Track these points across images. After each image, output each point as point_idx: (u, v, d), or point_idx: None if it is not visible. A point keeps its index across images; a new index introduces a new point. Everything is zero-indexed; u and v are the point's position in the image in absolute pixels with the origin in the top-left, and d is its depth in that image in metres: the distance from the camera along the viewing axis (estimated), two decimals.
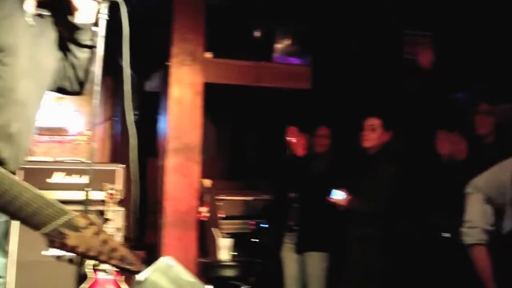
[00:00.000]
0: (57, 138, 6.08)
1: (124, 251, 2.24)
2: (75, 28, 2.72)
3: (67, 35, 2.76)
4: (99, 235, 2.19)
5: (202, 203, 5.32)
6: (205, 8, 5.28)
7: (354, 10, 5.44)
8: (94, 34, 2.74)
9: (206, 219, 5.27)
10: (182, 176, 5.08)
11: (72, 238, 2.14)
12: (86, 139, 6.16)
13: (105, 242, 2.19)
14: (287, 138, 5.02)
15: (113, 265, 2.23)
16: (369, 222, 4.37)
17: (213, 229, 5.39)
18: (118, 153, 6.09)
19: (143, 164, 5.84)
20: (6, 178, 2.19)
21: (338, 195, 4.45)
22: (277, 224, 5.21)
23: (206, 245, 5.35)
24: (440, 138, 4.37)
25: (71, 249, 2.16)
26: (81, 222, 2.18)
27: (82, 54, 2.75)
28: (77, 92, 2.86)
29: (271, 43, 5.69)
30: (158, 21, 5.47)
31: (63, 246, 2.15)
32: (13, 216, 2.27)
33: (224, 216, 5.48)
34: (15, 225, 4.54)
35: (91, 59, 2.76)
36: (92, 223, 2.19)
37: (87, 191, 3.36)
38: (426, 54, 4.85)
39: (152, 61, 5.77)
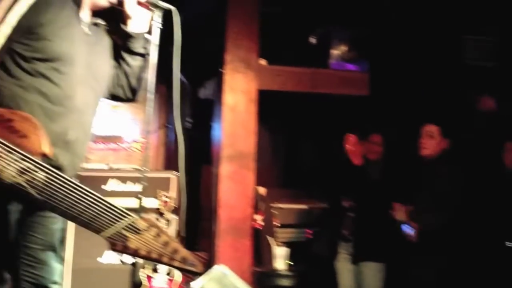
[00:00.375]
0: (112, 145, 6.13)
1: (185, 252, 2.23)
2: (128, 36, 2.74)
3: (120, 43, 2.78)
4: (160, 237, 2.20)
5: (256, 211, 5.26)
6: (259, 14, 5.24)
7: (412, 14, 5.32)
8: (147, 42, 2.75)
9: (260, 227, 5.21)
10: (236, 184, 5.03)
11: (133, 241, 2.16)
12: (140, 147, 6.18)
13: (166, 244, 2.20)
14: (345, 146, 4.95)
15: (175, 267, 2.24)
16: (431, 233, 4.23)
17: (268, 238, 5.32)
18: (172, 161, 6.10)
19: (197, 171, 5.87)
20: (66, 183, 2.24)
21: (408, 229, 4.34)
22: (331, 233, 5.11)
23: (261, 254, 5.28)
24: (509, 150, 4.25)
25: (133, 252, 2.18)
26: (142, 224, 2.21)
27: (134, 62, 2.78)
28: (130, 99, 2.89)
29: (327, 49, 5.58)
30: (212, 28, 5.46)
31: (125, 249, 2.18)
32: (74, 220, 2.29)
33: (279, 224, 5.39)
34: (70, 232, 4.62)
35: (143, 67, 2.77)
36: (152, 225, 2.22)
37: (140, 199, 3.37)
38: (488, 101, 4.74)
39: (206, 69, 5.75)
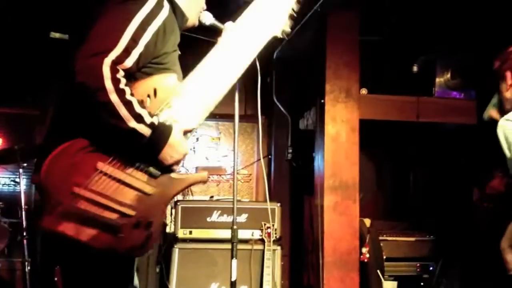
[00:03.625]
0: (214, 177, 6.17)
1: None
2: None
3: None
4: None
5: (363, 243, 5.13)
6: (359, 43, 5.18)
7: None
8: None
9: (367, 260, 5.08)
10: (340, 215, 4.93)
11: None
12: (242, 178, 6.21)
13: None
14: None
15: None
16: None
17: (377, 271, 5.17)
18: (273, 192, 6.06)
19: (299, 202, 5.81)
20: None
21: None
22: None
23: None
24: None
25: None
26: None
27: None
28: None
29: (430, 76, 5.44)
30: (311, 59, 5.44)
31: None
32: None
33: (385, 257, 5.24)
34: (174, 262, 4.64)
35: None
36: None
37: (234, 229, 3.40)
38: None
39: (306, 99, 5.73)
